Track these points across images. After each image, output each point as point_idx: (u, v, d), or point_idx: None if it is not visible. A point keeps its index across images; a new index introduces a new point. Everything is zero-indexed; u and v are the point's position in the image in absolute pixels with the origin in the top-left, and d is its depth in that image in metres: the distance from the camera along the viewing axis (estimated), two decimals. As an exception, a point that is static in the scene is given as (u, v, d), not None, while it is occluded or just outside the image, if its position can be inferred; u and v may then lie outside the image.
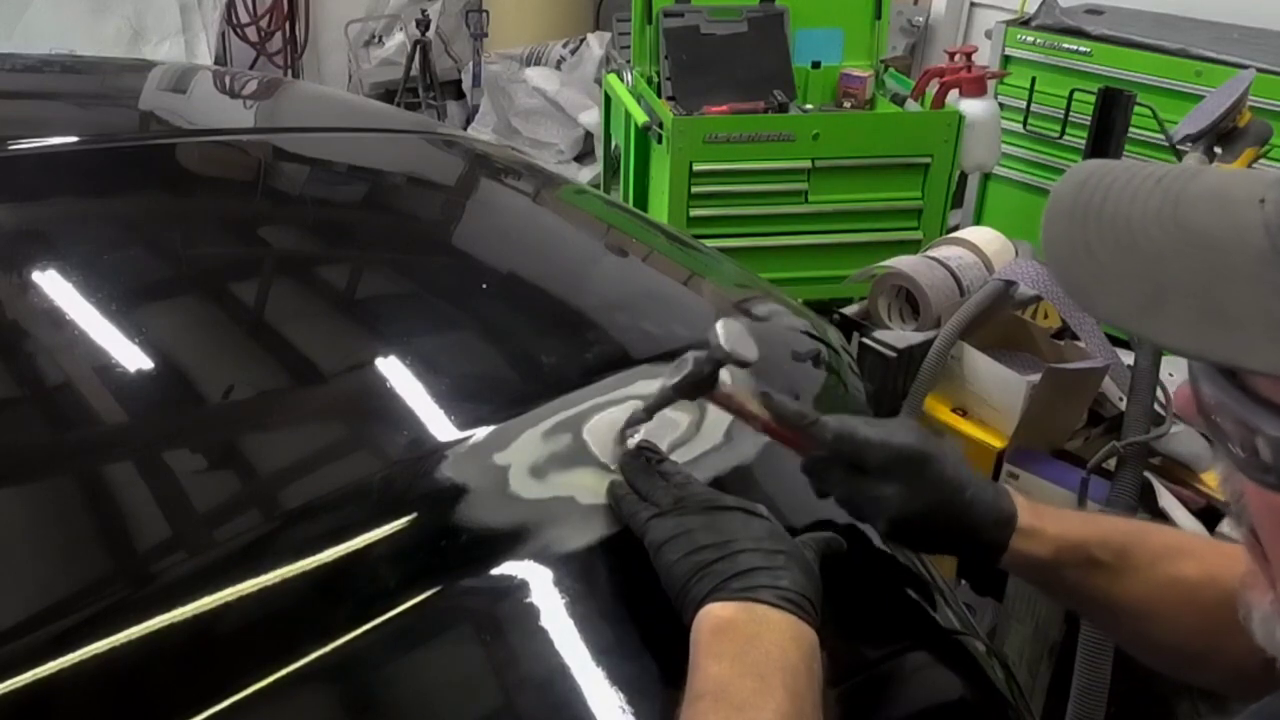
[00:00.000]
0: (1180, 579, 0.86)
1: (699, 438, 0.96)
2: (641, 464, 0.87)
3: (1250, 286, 0.52)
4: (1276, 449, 0.54)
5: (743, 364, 0.88)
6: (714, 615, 0.74)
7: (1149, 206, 0.56)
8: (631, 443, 0.90)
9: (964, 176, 3.62)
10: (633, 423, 0.91)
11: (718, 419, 0.96)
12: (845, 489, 0.90)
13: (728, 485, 0.93)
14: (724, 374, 0.89)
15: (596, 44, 5.25)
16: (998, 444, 1.71)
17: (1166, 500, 1.66)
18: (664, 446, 0.91)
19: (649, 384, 0.95)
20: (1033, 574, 0.92)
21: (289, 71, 5.54)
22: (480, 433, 0.87)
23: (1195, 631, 0.85)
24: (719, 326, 0.87)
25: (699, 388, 0.89)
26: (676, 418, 0.95)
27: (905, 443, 0.88)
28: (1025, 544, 0.87)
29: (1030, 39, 3.55)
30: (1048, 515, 0.90)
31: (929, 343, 1.77)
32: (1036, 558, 0.88)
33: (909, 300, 1.93)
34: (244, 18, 5.36)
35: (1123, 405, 1.70)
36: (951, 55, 3.47)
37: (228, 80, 1.99)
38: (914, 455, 0.87)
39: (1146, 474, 1.66)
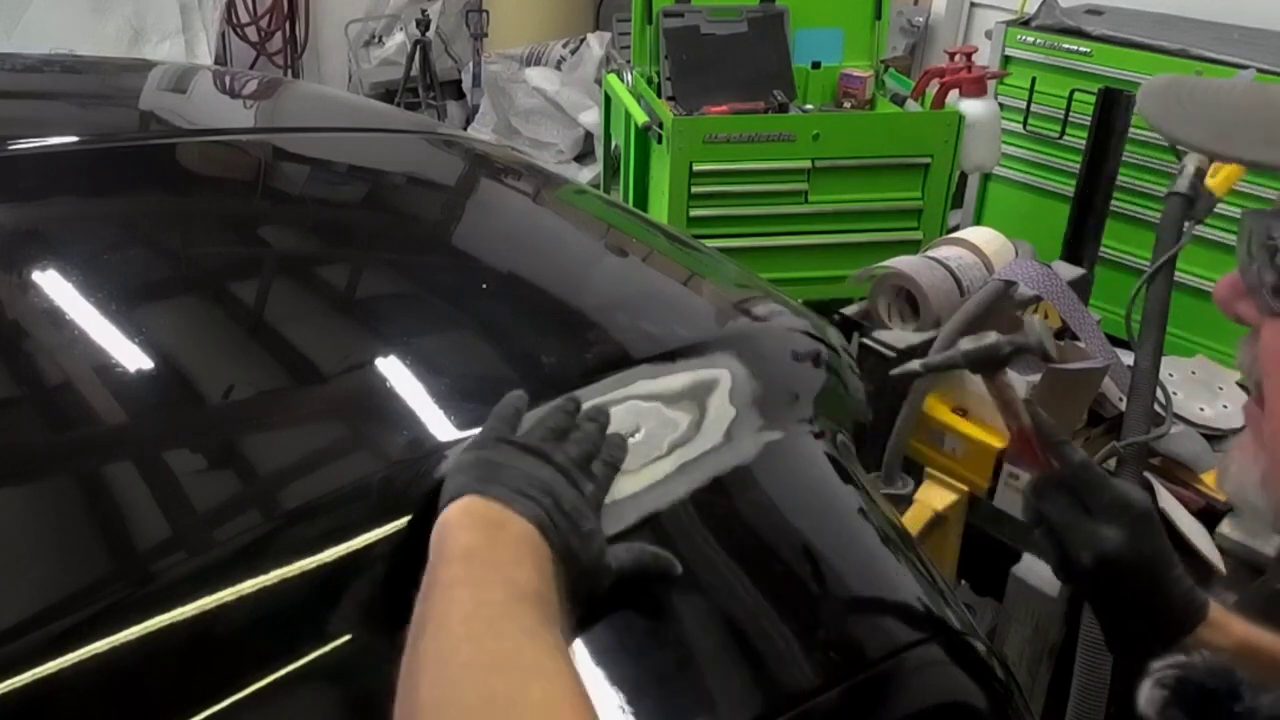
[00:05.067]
0: None
1: (697, 440, 0.95)
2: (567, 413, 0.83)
3: None
4: None
5: (1047, 358, 0.93)
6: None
7: (1235, 88, 0.70)
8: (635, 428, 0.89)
9: (964, 176, 3.62)
10: (906, 376, 0.96)
11: (716, 422, 0.96)
12: (1066, 516, 0.93)
13: (727, 492, 0.93)
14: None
15: (596, 44, 5.26)
16: (998, 444, 1.71)
17: (1166, 500, 1.66)
18: (664, 447, 0.91)
19: (649, 384, 0.95)
20: None
21: (289, 71, 5.54)
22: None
23: None
24: (1031, 320, 0.92)
25: (988, 364, 0.92)
26: (677, 418, 0.95)
27: (1140, 497, 0.92)
28: (1210, 634, 0.90)
29: (1030, 39, 3.55)
30: (1234, 617, 0.93)
31: (929, 343, 1.77)
32: (1218, 648, 0.90)
33: (909, 300, 1.93)
34: (244, 18, 5.37)
35: (1123, 405, 1.70)
36: (951, 55, 3.47)
37: (228, 80, 1.99)
38: (1145, 511, 0.91)
39: (1146, 474, 1.66)
